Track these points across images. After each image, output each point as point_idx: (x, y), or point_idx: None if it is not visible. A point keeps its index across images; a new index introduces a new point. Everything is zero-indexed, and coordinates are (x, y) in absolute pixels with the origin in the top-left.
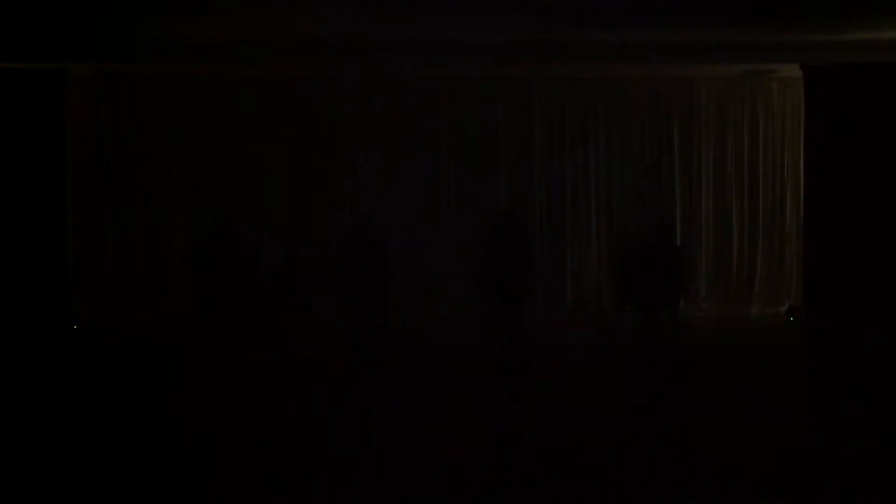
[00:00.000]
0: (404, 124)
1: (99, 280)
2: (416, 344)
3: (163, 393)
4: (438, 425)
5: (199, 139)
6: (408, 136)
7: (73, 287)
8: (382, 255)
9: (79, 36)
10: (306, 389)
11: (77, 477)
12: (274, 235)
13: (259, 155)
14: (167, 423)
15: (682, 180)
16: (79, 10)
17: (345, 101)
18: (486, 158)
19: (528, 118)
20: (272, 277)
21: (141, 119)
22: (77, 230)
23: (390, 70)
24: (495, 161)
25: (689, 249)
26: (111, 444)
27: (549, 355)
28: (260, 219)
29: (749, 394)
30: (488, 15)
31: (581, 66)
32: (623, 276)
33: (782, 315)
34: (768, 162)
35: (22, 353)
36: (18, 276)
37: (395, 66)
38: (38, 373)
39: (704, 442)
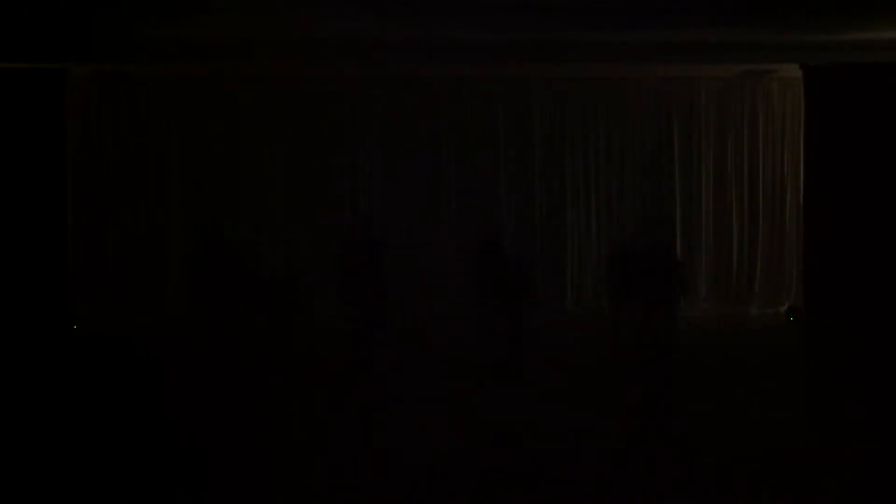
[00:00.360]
0: (404, 124)
1: (99, 280)
2: (416, 344)
3: (163, 393)
4: (438, 425)
5: (199, 139)
6: (408, 136)
7: (73, 287)
8: (382, 255)
9: (79, 36)
10: (306, 389)
11: (77, 476)
12: (274, 235)
13: (259, 155)
14: (167, 422)
15: (682, 180)
16: (79, 10)
17: (345, 101)
18: (486, 158)
19: (528, 118)
20: (271, 279)
21: (141, 119)
22: (77, 230)
23: (390, 70)
24: (495, 161)
25: (689, 249)
26: (111, 443)
27: (549, 355)
28: (260, 219)
29: (749, 394)
30: (488, 15)
31: (581, 66)
32: (617, 278)
33: (782, 315)
34: (768, 162)
35: (22, 353)
36: (18, 276)
37: (395, 66)
38: (38, 373)
39: (704, 442)
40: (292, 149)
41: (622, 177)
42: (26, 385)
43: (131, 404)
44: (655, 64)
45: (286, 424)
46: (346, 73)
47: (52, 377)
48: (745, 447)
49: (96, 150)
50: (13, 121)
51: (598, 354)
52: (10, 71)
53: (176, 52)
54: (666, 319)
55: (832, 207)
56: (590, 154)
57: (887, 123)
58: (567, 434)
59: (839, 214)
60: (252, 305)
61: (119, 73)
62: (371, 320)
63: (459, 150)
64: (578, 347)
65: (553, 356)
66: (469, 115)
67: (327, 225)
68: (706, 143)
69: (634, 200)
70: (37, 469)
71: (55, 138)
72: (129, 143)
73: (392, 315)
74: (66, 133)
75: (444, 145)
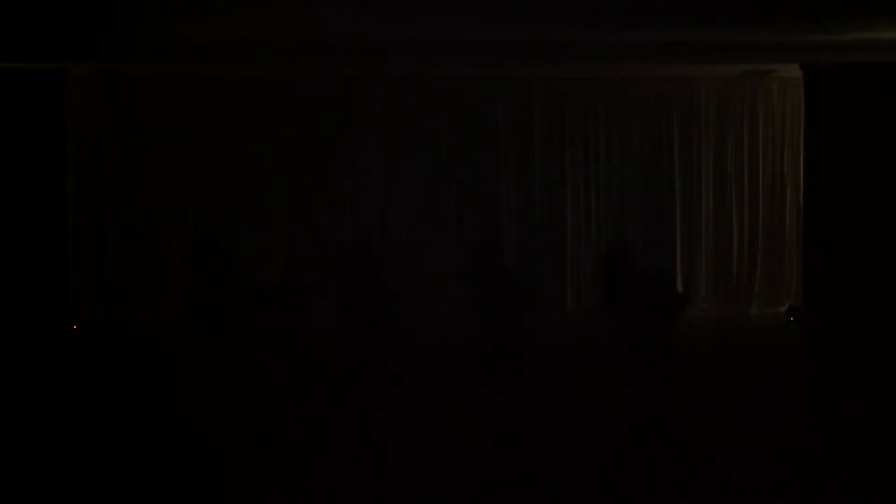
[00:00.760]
0: (404, 124)
1: (99, 280)
2: (417, 344)
3: (162, 393)
4: (438, 425)
5: (199, 139)
6: (408, 136)
7: (73, 287)
8: (382, 268)
9: (79, 36)
10: (306, 389)
11: (77, 476)
12: (273, 235)
13: (259, 155)
14: (167, 422)
15: (682, 180)
16: (79, 10)
17: (345, 101)
18: (486, 158)
19: (528, 118)
20: (271, 279)
21: (141, 119)
22: (77, 230)
23: (390, 70)
24: (495, 161)
25: (689, 249)
26: (111, 443)
27: (550, 355)
28: (259, 218)
29: (749, 394)
30: (488, 15)
31: (581, 66)
32: (609, 282)
33: (782, 315)
34: (768, 162)
35: (22, 354)
36: (19, 277)
37: (395, 66)
38: (38, 373)
39: (704, 442)
40: (292, 149)
41: (622, 177)
42: (26, 385)
43: (131, 404)
44: (655, 64)
45: (286, 424)
46: (346, 73)
47: (52, 377)
48: (745, 447)
49: (96, 150)
50: (13, 121)
51: (598, 354)
52: (10, 71)
53: (176, 52)
54: (664, 321)
55: (832, 207)
56: (590, 154)
57: (887, 123)
58: (567, 434)
59: (839, 214)
60: (251, 306)
61: (119, 73)
62: (371, 320)
63: (459, 150)
64: (578, 347)
65: (553, 356)
66: (469, 115)
67: (327, 225)
68: (706, 143)
69: (634, 200)
70: (37, 469)
71: (55, 138)
72: (129, 143)
73: (392, 315)
74: (66, 133)
75: (444, 145)
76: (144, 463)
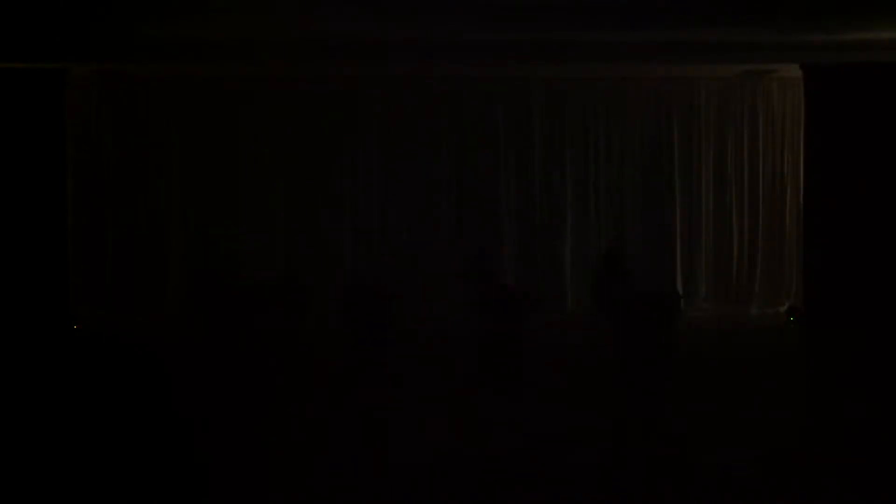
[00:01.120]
0: (404, 124)
1: (99, 280)
2: (417, 344)
3: (162, 393)
4: (438, 425)
5: (199, 139)
6: (408, 136)
7: (73, 287)
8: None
9: (79, 36)
10: (306, 389)
11: (77, 476)
12: (273, 236)
13: (259, 155)
14: (167, 422)
15: (682, 180)
16: (79, 10)
17: (345, 101)
18: (486, 158)
19: (528, 118)
20: (271, 279)
21: (141, 119)
22: (77, 230)
23: (390, 70)
24: (495, 161)
25: (689, 249)
26: (111, 443)
27: (550, 355)
28: (259, 219)
29: (749, 394)
30: (488, 15)
31: (581, 66)
32: (604, 291)
33: (782, 315)
34: (768, 162)
35: (22, 354)
36: (19, 277)
37: (395, 66)
38: (38, 373)
39: (704, 442)
40: (292, 149)
41: (622, 177)
42: (26, 385)
43: (131, 404)
44: (655, 64)
45: (286, 424)
46: (346, 73)
47: (52, 377)
48: (745, 447)
49: (96, 150)
50: (13, 121)
51: (598, 354)
52: (10, 71)
53: (176, 52)
54: (662, 322)
55: (832, 207)
56: (590, 154)
57: (887, 123)
58: (567, 434)
59: (839, 214)
60: (251, 306)
61: (119, 73)
62: (371, 320)
63: (459, 150)
64: (578, 347)
65: (553, 356)
66: (469, 115)
67: (327, 225)
68: (706, 143)
69: (634, 200)
70: (37, 469)
71: (55, 138)
72: (129, 143)
73: (392, 315)
74: (66, 133)
75: (444, 145)
76: (144, 463)
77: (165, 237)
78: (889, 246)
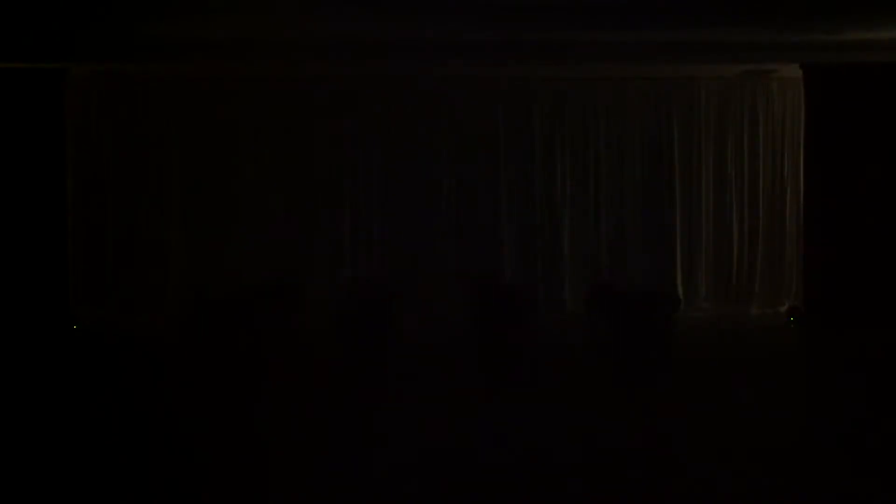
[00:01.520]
0: (404, 124)
1: (99, 280)
2: (416, 344)
3: (163, 393)
4: (438, 425)
5: (199, 139)
6: (408, 136)
7: (73, 287)
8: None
9: (79, 36)
10: (306, 389)
11: (77, 476)
12: (273, 236)
13: (259, 155)
14: (167, 422)
15: (682, 180)
16: (79, 10)
17: (345, 101)
18: (486, 158)
19: (528, 118)
20: (270, 282)
21: (141, 119)
22: (77, 230)
23: (390, 70)
24: (495, 161)
25: (689, 249)
26: (111, 443)
27: (549, 355)
28: (259, 219)
29: (749, 394)
30: (488, 15)
31: (581, 66)
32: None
33: (782, 315)
34: (768, 162)
35: (22, 353)
36: (18, 277)
37: (395, 66)
38: (38, 373)
39: (704, 442)
40: (292, 149)
41: (622, 177)
42: (26, 385)
43: (131, 404)
44: (655, 64)
45: (286, 424)
46: (346, 73)
47: (52, 377)
48: (744, 447)
49: (96, 150)
50: (13, 121)
51: (597, 354)
52: (10, 71)
53: (176, 52)
54: (660, 323)
55: (832, 207)
56: (590, 154)
57: (887, 123)
58: (566, 434)
59: (839, 214)
60: (251, 306)
61: (119, 73)
62: (371, 320)
63: (459, 150)
64: (578, 347)
65: (553, 356)
66: (469, 115)
67: (327, 225)
68: (706, 143)
69: (634, 200)
70: (37, 469)
71: (55, 138)
72: (129, 143)
73: (392, 315)
74: (66, 133)
75: (444, 145)
76: (144, 463)
77: (165, 237)
78: (889, 246)
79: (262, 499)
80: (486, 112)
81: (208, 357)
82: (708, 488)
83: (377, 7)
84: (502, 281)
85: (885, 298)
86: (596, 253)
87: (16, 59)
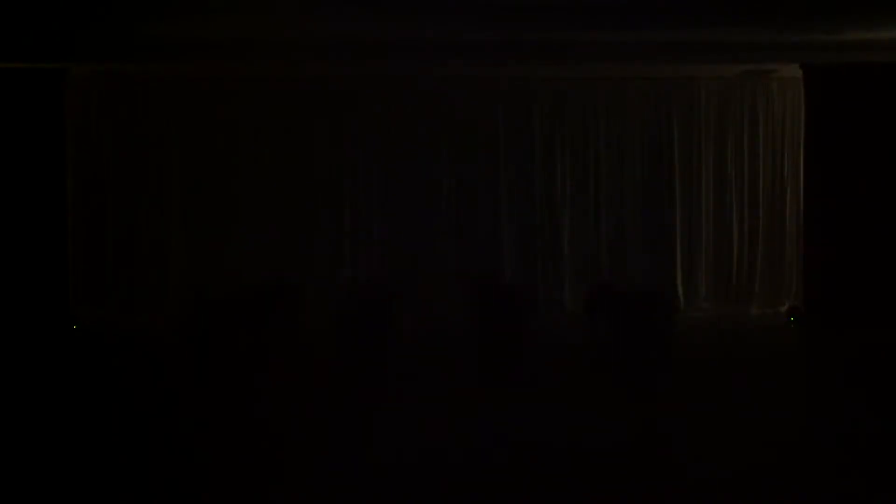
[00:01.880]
0: (404, 124)
1: (99, 280)
2: (417, 344)
3: (163, 393)
4: (438, 425)
5: (199, 139)
6: (408, 136)
7: (73, 287)
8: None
9: (79, 36)
10: (306, 389)
11: (77, 476)
12: (273, 235)
13: (259, 155)
14: (167, 422)
15: (682, 180)
16: (79, 10)
17: (345, 101)
18: (486, 158)
19: (528, 118)
20: (270, 281)
21: (141, 119)
22: (77, 230)
23: (390, 70)
24: (495, 161)
25: (689, 249)
26: (111, 443)
27: (549, 355)
28: (259, 219)
29: (749, 394)
30: (488, 15)
31: (581, 66)
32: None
33: (782, 315)
34: (768, 162)
35: (22, 353)
36: (18, 277)
37: (395, 66)
38: (38, 373)
39: (704, 442)
40: (292, 149)
41: (622, 177)
42: (26, 385)
43: (131, 404)
44: (655, 64)
45: (286, 424)
46: (346, 73)
47: (52, 377)
48: (745, 447)
49: (96, 150)
50: (13, 121)
51: (597, 354)
52: (10, 71)
53: (176, 52)
54: (659, 323)
55: (832, 207)
56: (590, 154)
57: (887, 123)
58: (566, 434)
59: (839, 214)
60: (251, 305)
61: (119, 73)
62: (371, 320)
63: (459, 150)
64: (578, 347)
65: (553, 356)
66: (469, 115)
67: (327, 225)
68: (706, 143)
69: (635, 200)
70: (37, 469)
71: (55, 138)
72: (129, 143)
73: (392, 315)
74: (66, 133)
75: (444, 145)
76: (144, 462)
77: (165, 237)
78: (889, 246)
79: (262, 498)
80: (486, 112)
81: (208, 357)
82: (708, 488)
83: (377, 7)
84: (502, 281)
85: (885, 298)
86: (596, 253)
87: (16, 59)
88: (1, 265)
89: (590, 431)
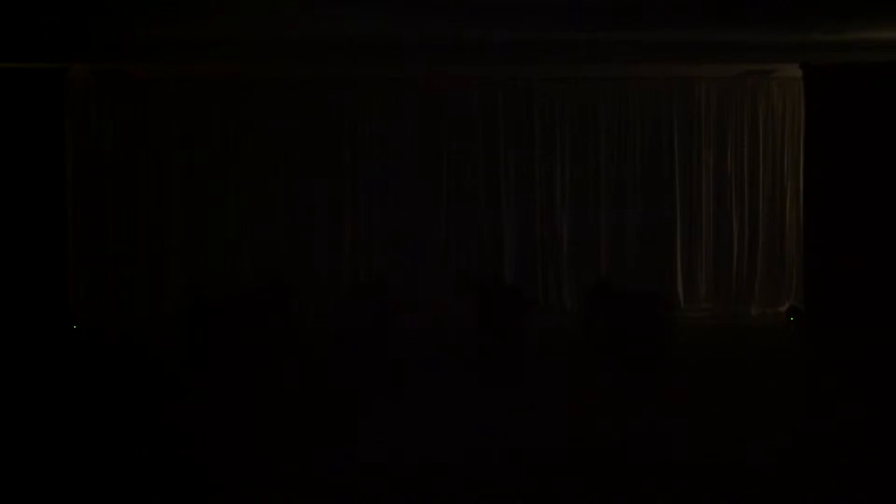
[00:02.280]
0: (404, 124)
1: (99, 280)
2: (417, 344)
3: (162, 393)
4: (438, 425)
5: (199, 139)
6: (408, 137)
7: (73, 287)
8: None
9: (79, 36)
10: (306, 389)
11: (77, 477)
12: (273, 236)
13: (259, 155)
14: (167, 422)
15: (682, 180)
16: (79, 10)
17: (345, 101)
18: (486, 158)
19: (529, 118)
20: (270, 281)
21: (141, 119)
22: (77, 230)
23: (390, 70)
24: (495, 161)
25: (689, 249)
26: (111, 443)
27: (549, 355)
28: (259, 219)
29: (749, 394)
30: (488, 15)
31: (581, 66)
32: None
33: (782, 315)
34: (768, 162)
35: (22, 354)
36: (18, 276)
37: (395, 66)
38: (38, 373)
39: (704, 442)
40: (292, 149)
41: (622, 177)
42: (26, 385)
43: (131, 404)
44: (655, 64)
45: (286, 424)
46: (346, 73)
47: (52, 377)
48: (744, 447)
49: (96, 150)
50: (13, 121)
51: (597, 354)
52: (10, 71)
53: (176, 52)
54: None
55: (832, 207)
56: (590, 154)
57: (887, 123)
58: (566, 434)
59: (839, 214)
60: (251, 305)
61: (119, 73)
62: (371, 320)
63: (459, 150)
64: (577, 347)
65: (553, 356)
66: (469, 115)
67: (326, 225)
68: (706, 142)
69: (635, 200)
70: (37, 469)
71: (55, 138)
72: (129, 143)
73: (392, 315)
74: (66, 133)
75: (444, 145)
76: (144, 462)
77: (165, 237)
78: (889, 246)
79: (262, 499)
80: (487, 112)
81: (208, 357)
82: (708, 489)
83: (377, 7)
84: (502, 281)
85: (885, 298)
86: (596, 253)
87: (16, 59)
88: (1, 265)
89: (589, 431)
